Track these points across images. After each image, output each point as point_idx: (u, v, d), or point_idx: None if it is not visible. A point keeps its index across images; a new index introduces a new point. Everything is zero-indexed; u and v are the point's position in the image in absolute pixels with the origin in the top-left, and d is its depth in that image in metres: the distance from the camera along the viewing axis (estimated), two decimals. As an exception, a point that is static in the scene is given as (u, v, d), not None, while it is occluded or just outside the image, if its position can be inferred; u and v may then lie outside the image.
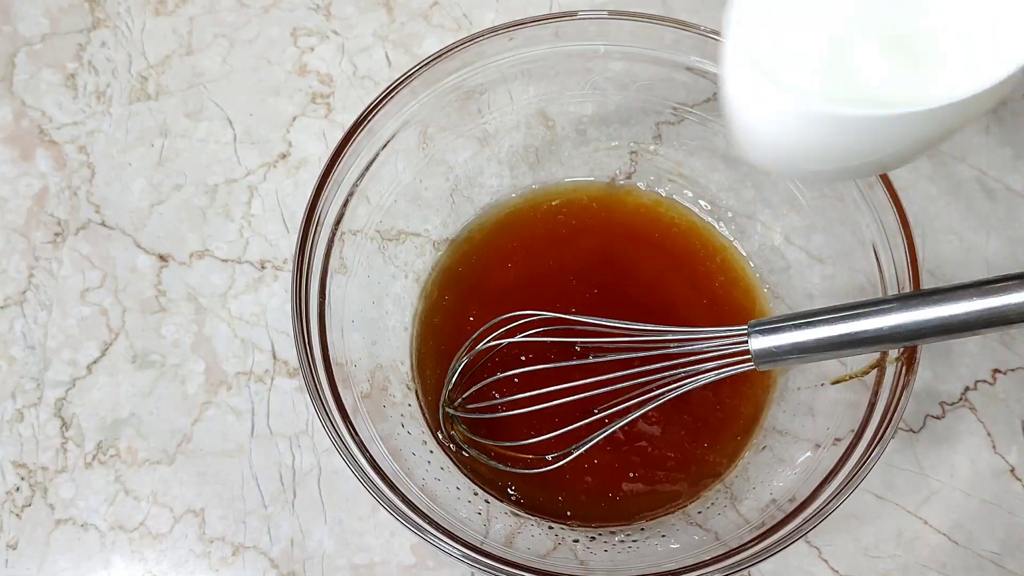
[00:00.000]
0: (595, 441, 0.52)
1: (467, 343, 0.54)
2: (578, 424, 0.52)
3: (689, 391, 0.54)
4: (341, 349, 0.51)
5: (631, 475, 0.54)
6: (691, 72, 0.55)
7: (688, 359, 0.48)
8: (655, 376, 0.49)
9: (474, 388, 0.54)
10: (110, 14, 0.68)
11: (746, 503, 0.51)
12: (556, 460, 0.53)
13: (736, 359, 0.47)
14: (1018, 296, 0.40)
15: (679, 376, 0.49)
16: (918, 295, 0.44)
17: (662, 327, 0.53)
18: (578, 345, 0.55)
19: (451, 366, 0.55)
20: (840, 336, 0.44)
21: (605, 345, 0.54)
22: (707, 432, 0.55)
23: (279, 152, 0.64)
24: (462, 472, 0.54)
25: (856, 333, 0.44)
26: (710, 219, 0.60)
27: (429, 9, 0.68)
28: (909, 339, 0.43)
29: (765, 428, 0.55)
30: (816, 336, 0.45)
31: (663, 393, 0.49)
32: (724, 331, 0.47)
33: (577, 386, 0.51)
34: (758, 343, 0.45)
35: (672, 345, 0.50)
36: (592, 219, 0.61)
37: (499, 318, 0.54)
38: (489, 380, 0.53)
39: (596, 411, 0.53)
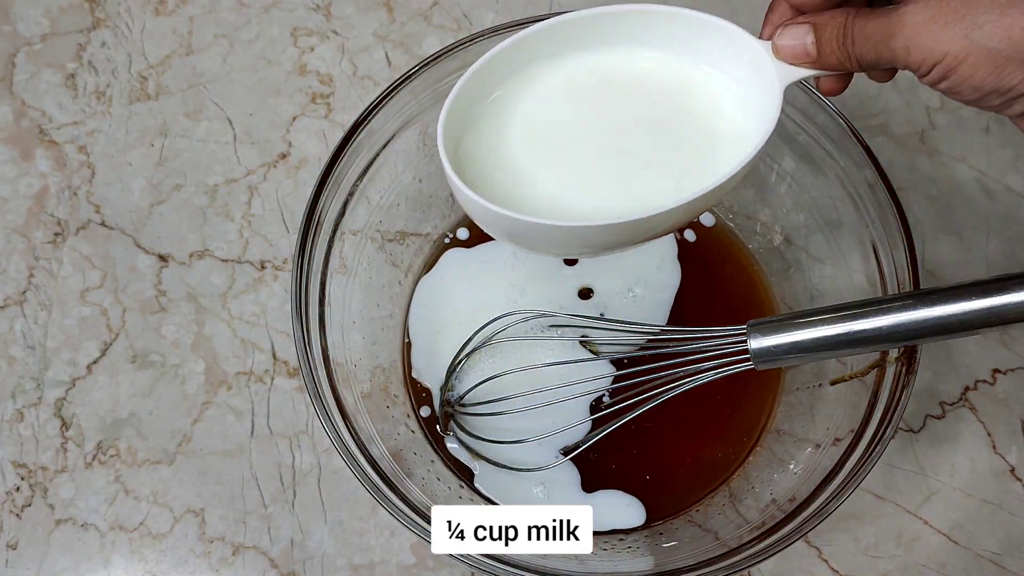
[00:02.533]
0: (596, 439, 0.52)
1: (465, 341, 0.54)
2: (580, 421, 0.52)
3: (700, 394, 0.54)
4: (341, 349, 0.51)
5: (646, 478, 0.54)
6: (691, 72, 0.55)
7: (687, 358, 0.48)
8: (655, 375, 0.50)
9: (474, 386, 0.54)
10: (110, 14, 0.68)
11: (746, 503, 0.51)
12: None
13: (735, 358, 0.47)
14: (1016, 296, 0.41)
15: (678, 375, 0.49)
16: (917, 295, 0.44)
17: (661, 326, 0.53)
18: (581, 342, 0.56)
19: (449, 364, 0.55)
20: (838, 336, 0.44)
21: (607, 343, 0.55)
22: (716, 435, 0.55)
23: (279, 152, 0.64)
24: (461, 474, 0.54)
25: (855, 333, 0.44)
26: (711, 219, 0.60)
27: (429, 9, 0.68)
28: (908, 339, 0.43)
29: (767, 428, 0.55)
30: (815, 336, 0.45)
31: (663, 392, 0.49)
32: (723, 331, 0.48)
33: (578, 383, 0.51)
34: (757, 343, 0.46)
35: (671, 344, 0.50)
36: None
37: (497, 316, 0.54)
38: (489, 378, 0.53)
39: (599, 408, 0.53)
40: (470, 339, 0.54)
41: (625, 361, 0.55)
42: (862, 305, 0.44)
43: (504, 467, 0.53)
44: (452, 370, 0.55)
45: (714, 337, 0.48)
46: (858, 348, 0.45)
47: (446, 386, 0.55)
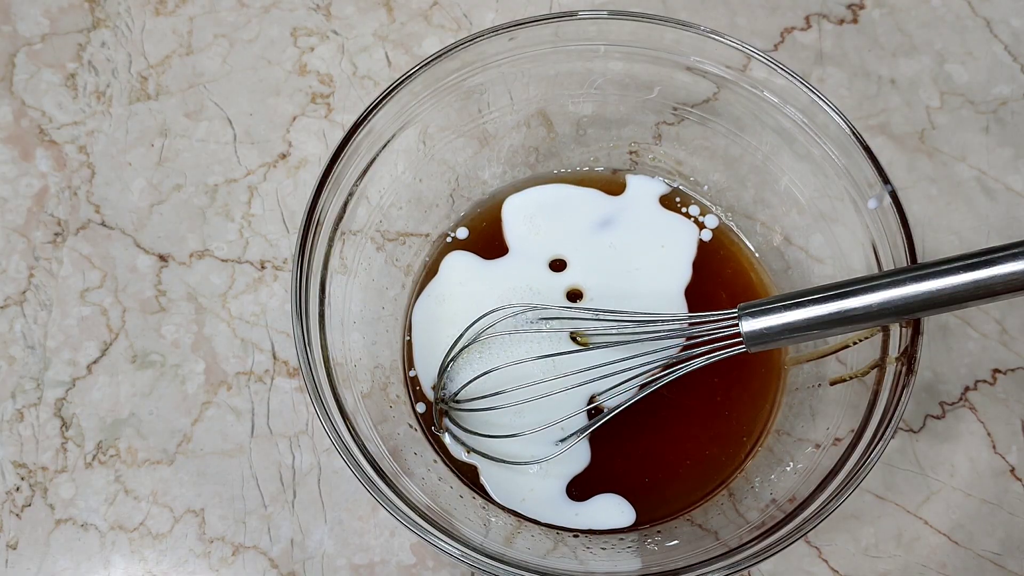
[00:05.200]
0: (592, 429, 0.52)
1: (457, 337, 0.54)
2: (574, 413, 0.52)
3: (699, 395, 0.54)
4: (341, 349, 0.51)
5: (645, 479, 0.54)
6: (691, 72, 0.55)
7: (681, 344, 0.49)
8: (648, 362, 0.50)
9: (467, 382, 0.54)
10: (110, 14, 0.68)
11: (746, 503, 0.51)
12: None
13: (728, 342, 0.47)
14: (1003, 268, 0.41)
15: (672, 362, 0.49)
16: (905, 271, 0.44)
17: (654, 313, 0.53)
18: (571, 334, 0.56)
19: (442, 361, 0.55)
20: (829, 315, 0.44)
21: (598, 334, 0.55)
22: (716, 435, 0.55)
23: (279, 152, 0.64)
24: (461, 474, 0.54)
25: (845, 311, 0.44)
26: (713, 220, 0.60)
27: (429, 9, 0.68)
28: (898, 315, 0.44)
29: (767, 428, 0.55)
30: (806, 316, 0.45)
31: (658, 379, 0.49)
32: (715, 315, 0.48)
33: (571, 375, 0.51)
34: (749, 325, 0.46)
35: (664, 331, 0.50)
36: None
37: (489, 310, 0.54)
38: (481, 374, 0.53)
39: (593, 400, 0.53)
40: (461, 335, 0.54)
41: (620, 350, 0.55)
42: (852, 284, 0.45)
43: (502, 461, 0.53)
44: (444, 368, 0.55)
45: (706, 322, 0.48)
46: (849, 326, 0.45)
47: (439, 384, 0.55)
